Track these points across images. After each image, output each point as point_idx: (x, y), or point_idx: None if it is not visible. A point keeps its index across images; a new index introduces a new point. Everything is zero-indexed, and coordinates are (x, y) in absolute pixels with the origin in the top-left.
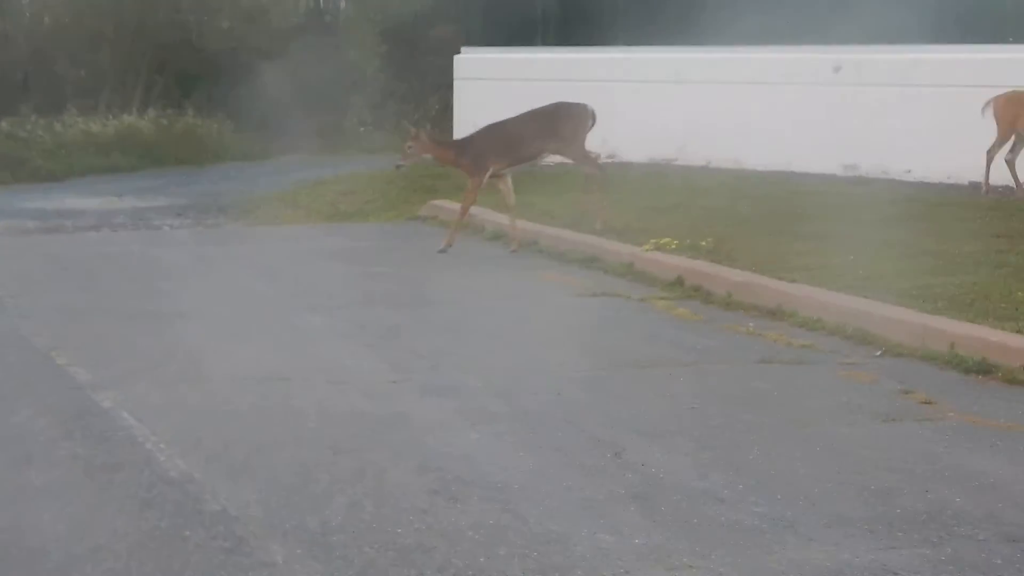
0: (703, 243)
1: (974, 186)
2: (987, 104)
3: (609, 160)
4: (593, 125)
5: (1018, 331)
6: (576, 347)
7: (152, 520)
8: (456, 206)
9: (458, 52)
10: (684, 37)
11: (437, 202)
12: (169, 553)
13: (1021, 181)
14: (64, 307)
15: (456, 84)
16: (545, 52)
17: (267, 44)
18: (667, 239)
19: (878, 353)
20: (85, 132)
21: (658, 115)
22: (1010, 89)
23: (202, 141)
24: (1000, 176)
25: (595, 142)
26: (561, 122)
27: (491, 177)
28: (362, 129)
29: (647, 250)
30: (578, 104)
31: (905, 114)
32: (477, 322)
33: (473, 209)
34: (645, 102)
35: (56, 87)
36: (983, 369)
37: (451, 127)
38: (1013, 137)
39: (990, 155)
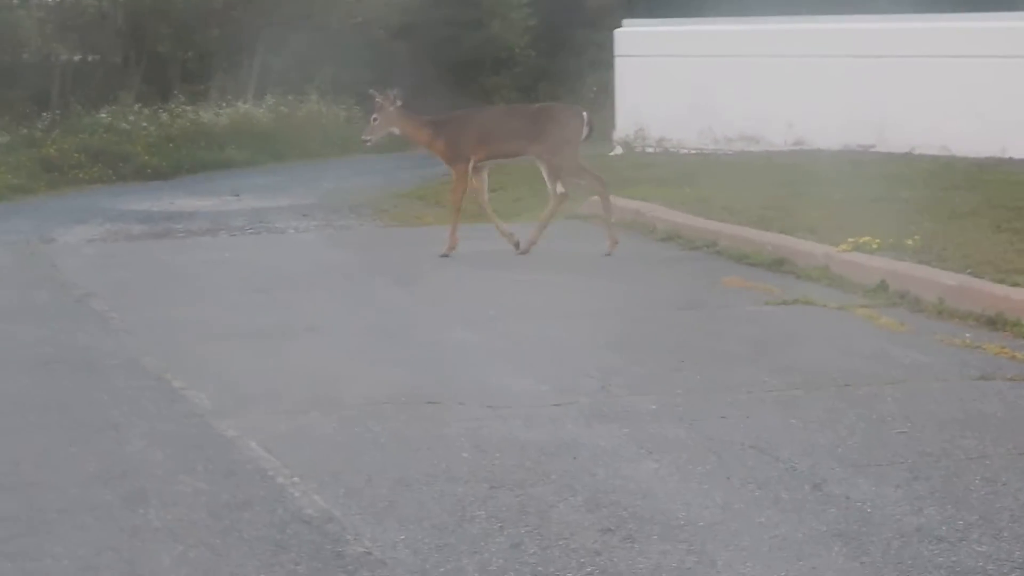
0: (909, 241)
1: None
2: None
3: (796, 147)
4: (589, 134)
5: None
6: (766, 363)
7: (287, 564)
8: (622, 202)
9: (618, 25)
10: (877, 4)
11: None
12: None
13: None
14: (177, 323)
15: (617, 62)
16: (717, 24)
17: (398, 18)
18: (867, 237)
19: None
20: (195, 122)
21: (853, 95)
22: None
23: (328, 130)
24: None
25: (780, 127)
26: (547, 126)
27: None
28: None
29: (844, 250)
30: (568, 108)
31: None
32: (652, 335)
33: (641, 206)
34: (836, 80)
35: (161, 71)
36: None
37: (611, 110)
38: None
39: None
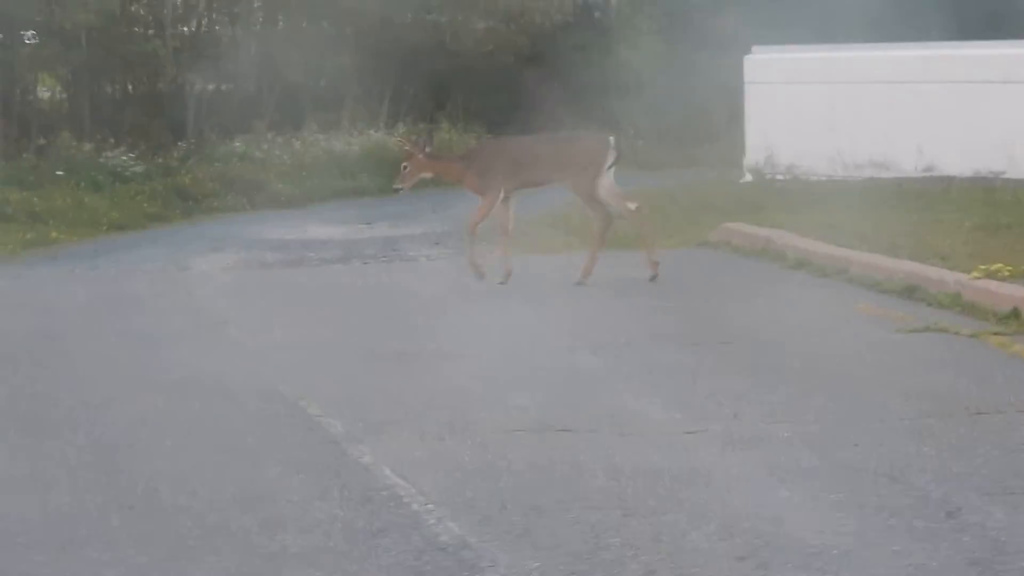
0: None
1: None
2: None
3: (926, 174)
4: (616, 160)
5: None
6: (899, 391)
7: None
8: (754, 230)
9: (748, 52)
10: (1011, 29)
11: (731, 225)
12: None
13: None
14: (311, 349)
15: (747, 89)
16: (847, 50)
17: (528, 46)
18: (999, 265)
19: None
20: (327, 151)
21: (983, 121)
22: None
23: None
24: None
25: (910, 153)
26: (572, 152)
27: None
28: (640, 142)
29: (976, 277)
30: (596, 135)
31: None
32: (783, 362)
33: (771, 233)
34: (967, 107)
35: (293, 99)
36: None
37: (741, 137)
38: None
39: None
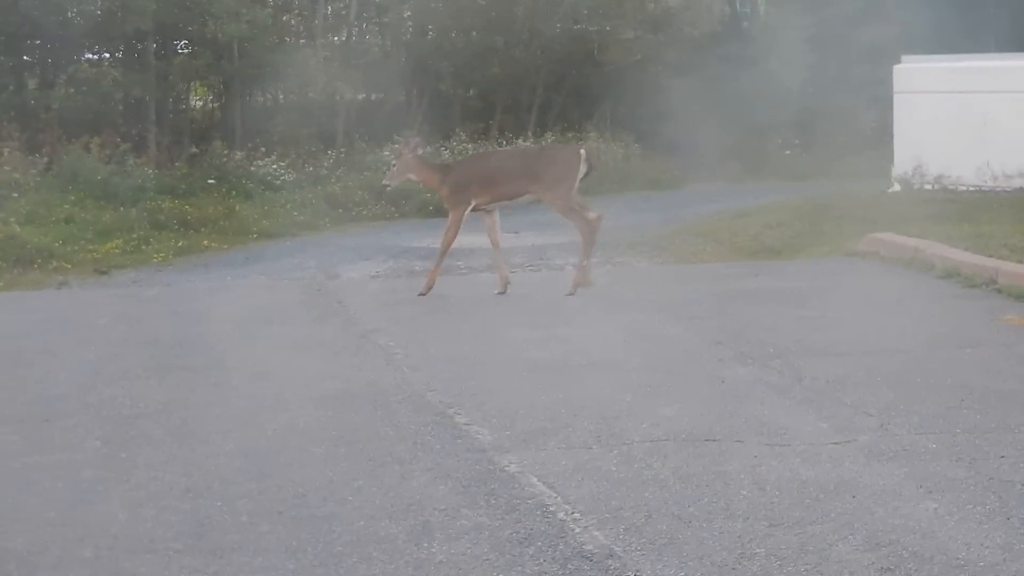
0: None
1: None
2: None
3: None
4: (589, 172)
5: None
6: None
7: None
8: (902, 239)
9: (897, 61)
10: None
11: (879, 235)
12: None
13: None
14: (459, 358)
15: (896, 98)
16: (996, 59)
17: (677, 56)
18: None
19: None
20: None
21: None
22: None
23: (606, 167)
24: None
25: None
26: (544, 165)
27: (473, 211)
28: (787, 152)
29: None
30: (567, 147)
31: None
32: (931, 373)
33: (920, 243)
34: None
35: (442, 108)
36: None
37: (890, 147)
38: None
39: None
